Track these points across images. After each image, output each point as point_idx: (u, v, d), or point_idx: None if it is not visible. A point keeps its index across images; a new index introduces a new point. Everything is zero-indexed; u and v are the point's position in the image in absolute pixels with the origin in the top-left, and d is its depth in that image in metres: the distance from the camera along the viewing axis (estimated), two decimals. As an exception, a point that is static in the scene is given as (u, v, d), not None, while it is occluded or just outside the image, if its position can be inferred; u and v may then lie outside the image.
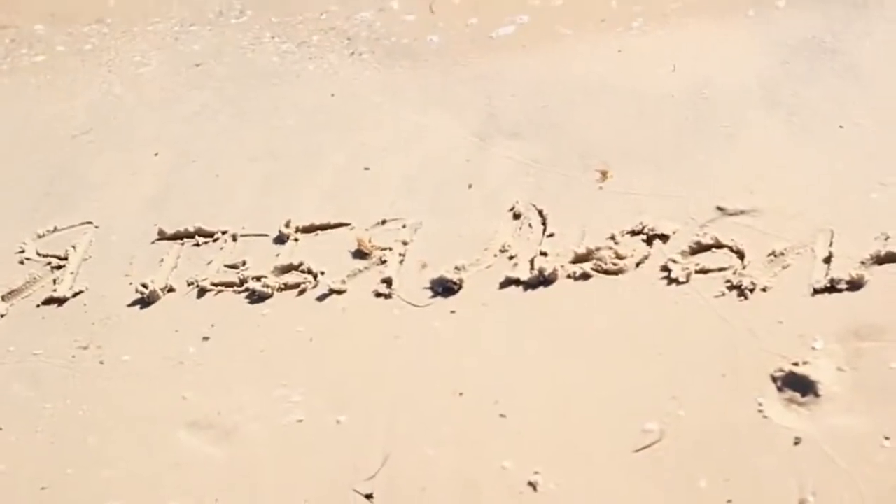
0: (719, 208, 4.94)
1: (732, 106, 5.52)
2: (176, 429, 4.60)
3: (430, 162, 5.56)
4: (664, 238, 4.88)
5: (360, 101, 6.20)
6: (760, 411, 4.19)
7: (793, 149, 5.17)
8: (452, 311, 4.79)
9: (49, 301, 5.28)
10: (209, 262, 5.29)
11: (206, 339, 4.95)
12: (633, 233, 4.95)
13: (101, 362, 4.92)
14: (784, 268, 4.66)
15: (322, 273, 5.07)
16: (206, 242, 5.39)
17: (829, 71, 5.61)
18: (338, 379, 4.66)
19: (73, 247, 5.50)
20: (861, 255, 4.64)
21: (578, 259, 4.87)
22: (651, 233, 4.91)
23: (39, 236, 5.61)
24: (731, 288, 4.64)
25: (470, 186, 5.34)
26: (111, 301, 5.21)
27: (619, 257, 4.81)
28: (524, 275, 4.86)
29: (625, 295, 4.73)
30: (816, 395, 4.19)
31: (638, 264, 4.81)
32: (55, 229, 5.67)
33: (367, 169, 5.62)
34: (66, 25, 7.54)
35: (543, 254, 4.91)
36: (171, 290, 5.18)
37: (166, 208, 5.66)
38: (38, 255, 5.49)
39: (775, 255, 4.69)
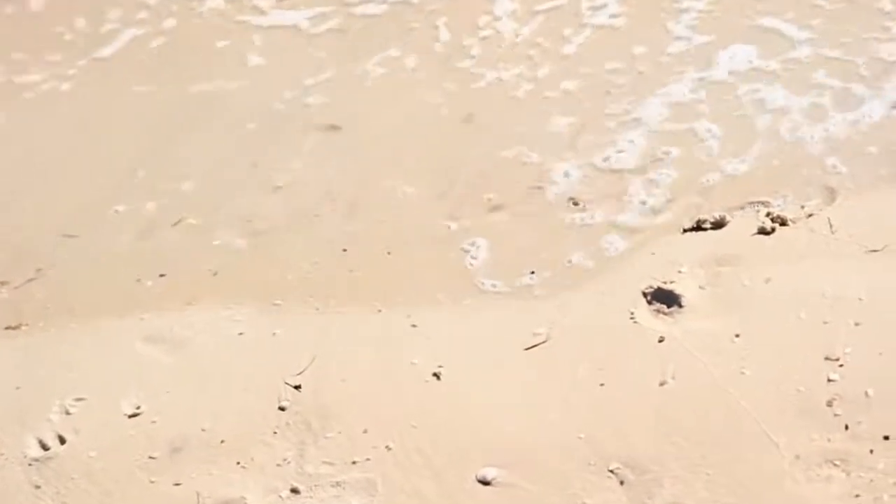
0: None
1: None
2: (134, 341, 5.20)
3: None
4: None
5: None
6: (632, 318, 4.93)
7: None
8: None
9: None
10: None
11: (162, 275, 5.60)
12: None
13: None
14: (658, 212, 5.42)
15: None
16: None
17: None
18: (277, 300, 5.33)
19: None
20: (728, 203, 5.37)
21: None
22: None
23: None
24: (612, 227, 5.38)
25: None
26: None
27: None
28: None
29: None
30: (680, 305, 4.92)
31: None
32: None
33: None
34: None
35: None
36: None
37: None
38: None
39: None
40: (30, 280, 5.71)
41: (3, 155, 6.86)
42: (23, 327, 5.30)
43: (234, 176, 6.32)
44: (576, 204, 5.54)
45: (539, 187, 5.81)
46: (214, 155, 6.55)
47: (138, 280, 5.63)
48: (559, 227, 5.59)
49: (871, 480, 4.06)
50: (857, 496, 4.02)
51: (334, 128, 6.38)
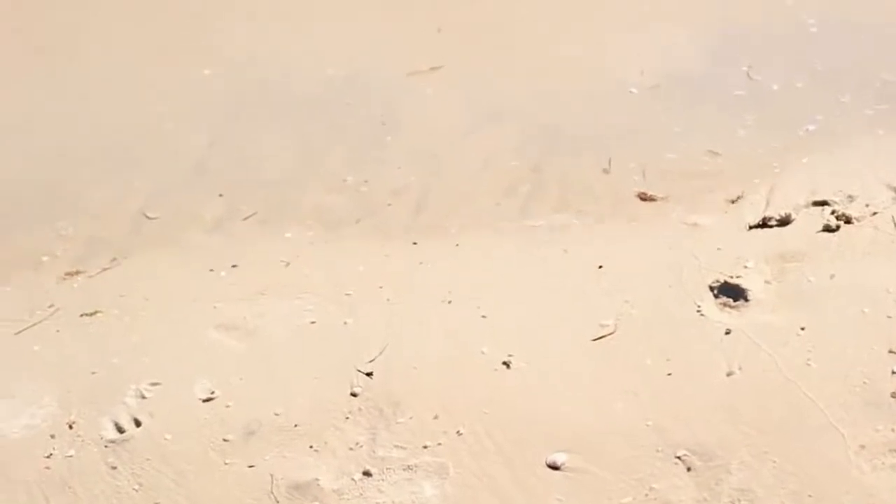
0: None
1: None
2: (207, 329, 5.31)
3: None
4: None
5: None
6: (699, 311, 5.02)
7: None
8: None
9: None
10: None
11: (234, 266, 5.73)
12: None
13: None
14: (726, 212, 5.51)
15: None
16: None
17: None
18: (348, 291, 5.43)
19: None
20: (794, 201, 5.45)
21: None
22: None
23: None
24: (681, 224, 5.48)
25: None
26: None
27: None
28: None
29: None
30: (746, 300, 5.01)
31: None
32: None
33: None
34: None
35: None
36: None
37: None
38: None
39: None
40: (104, 269, 5.74)
41: (75, 143, 6.90)
42: (98, 315, 5.33)
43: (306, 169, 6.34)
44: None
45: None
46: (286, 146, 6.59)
47: (211, 270, 5.61)
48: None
49: (937, 470, 3.99)
50: (922, 485, 3.96)
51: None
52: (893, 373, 4.55)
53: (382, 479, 4.45)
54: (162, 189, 6.48)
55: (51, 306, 5.56)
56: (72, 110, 7.29)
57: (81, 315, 5.51)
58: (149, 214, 6.19)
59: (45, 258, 6.01)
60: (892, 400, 4.44)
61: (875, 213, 5.40)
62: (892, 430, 4.31)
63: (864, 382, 4.53)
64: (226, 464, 4.58)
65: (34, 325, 5.43)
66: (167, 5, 8.36)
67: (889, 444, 4.27)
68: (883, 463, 4.21)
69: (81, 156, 6.87)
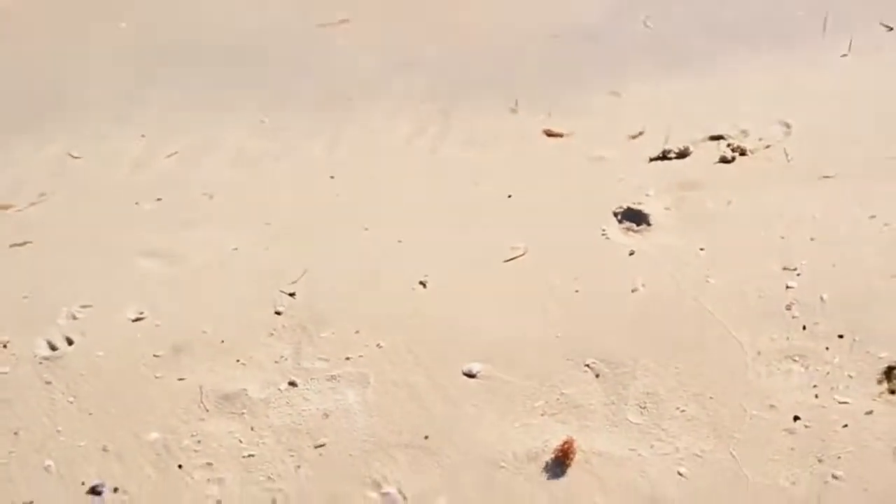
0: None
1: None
2: (135, 256, 5.53)
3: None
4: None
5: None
6: (604, 234, 5.29)
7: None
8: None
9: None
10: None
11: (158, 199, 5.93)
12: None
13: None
14: (627, 147, 5.82)
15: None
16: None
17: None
18: (268, 221, 5.66)
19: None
20: (692, 137, 5.78)
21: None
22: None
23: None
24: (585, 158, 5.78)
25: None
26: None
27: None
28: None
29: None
30: (648, 224, 5.30)
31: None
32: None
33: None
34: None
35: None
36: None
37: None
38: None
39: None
40: (32, 204, 5.87)
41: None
42: (28, 244, 5.48)
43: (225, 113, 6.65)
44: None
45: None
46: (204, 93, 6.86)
47: (136, 203, 5.81)
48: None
49: (828, 373, 4.44)
50: (815, 386, 4.39)
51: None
52: (788, 287, 4.82)
53: (307, 388, 4.65)
54: (85, 132, 6.59)
55: (-20, 237, 5.62)
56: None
57: (11, 245, 5.58)
58: (73, 154, 6.30)
59: (-29, 195, 6.03)
60: (786, 311, 4.71)
61: (768, 146, 5.64)
62: (787, 338, 4.59)
63: (760, 296, 4.81)
64: (156, 377, 4.76)
65: (-36, 255, 5.48)
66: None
67: (783, 350, 4.57)
68: (778, 368, 4.49)
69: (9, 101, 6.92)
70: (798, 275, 4.85)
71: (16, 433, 4.59)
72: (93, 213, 5.86)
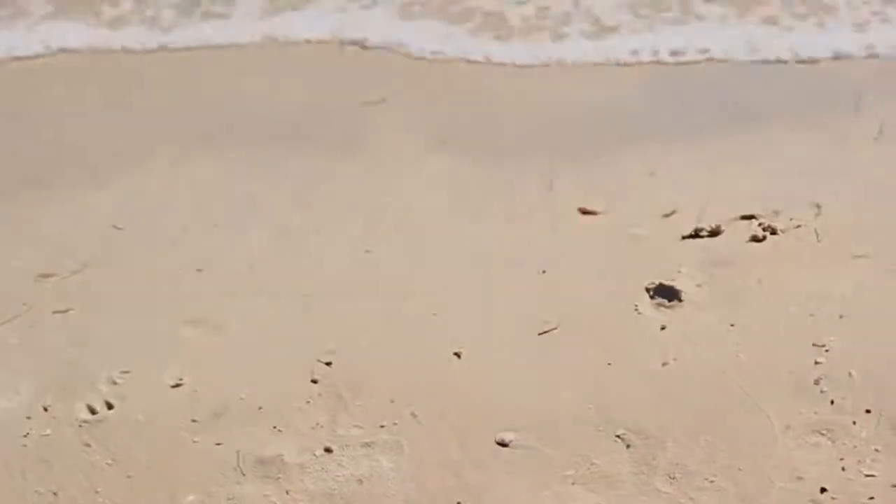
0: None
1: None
2: (176, 324, 5.65)
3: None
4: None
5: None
6: (636, 309, 5.38)
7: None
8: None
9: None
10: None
11: (199, 270, 6.06)
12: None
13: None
14: (660, 225, 5.93)
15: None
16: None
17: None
18: (307, 293, 5.78)
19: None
20: (724, 216, 5.90)
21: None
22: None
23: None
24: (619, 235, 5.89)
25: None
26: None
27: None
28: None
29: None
30: (679, 300, 5.39)
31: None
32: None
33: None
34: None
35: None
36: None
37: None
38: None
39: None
40: (75, 272, 6.01)
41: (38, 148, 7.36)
42: (69, 311, 5.61)
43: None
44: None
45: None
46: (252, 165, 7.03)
47: (177, 273, 6.00)
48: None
49: (855, 447, 4.50)
50: (842, 459, 4.46)
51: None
52: (816, 363, 4.90)
53: (342, 455, 4.74)
54: (129, 205, 6.83)
55: (24, 304, 5.74)
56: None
57: (54, 312, 5.72)
58: (118, 225, 6.45)
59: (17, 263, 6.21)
60: (815, 386, 4.79)
61: (799, 226, 5.74)
62: (815, 412, 4.66)
63: (790, 371, 4.88)
64: (195, 441, 4.84)
65: (10, 321, 5.63)
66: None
67: (812, 424, 4.63)
68: (806, 441, 4.56)
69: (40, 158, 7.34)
70: (827, 351, 4.93)
71: (55, 493, 4.67)
72: (134, 282, 5.91)
